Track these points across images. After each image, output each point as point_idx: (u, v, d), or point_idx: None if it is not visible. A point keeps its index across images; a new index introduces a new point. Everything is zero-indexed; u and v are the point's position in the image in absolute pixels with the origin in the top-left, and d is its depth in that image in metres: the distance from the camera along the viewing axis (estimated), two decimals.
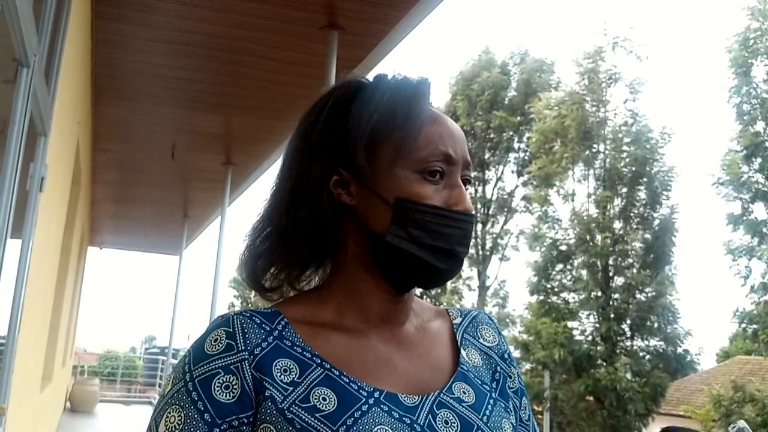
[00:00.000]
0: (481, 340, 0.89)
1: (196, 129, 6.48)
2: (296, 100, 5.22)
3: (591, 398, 15.85)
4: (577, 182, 17.61)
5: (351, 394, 0.73)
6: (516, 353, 16.65)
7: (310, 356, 0.75)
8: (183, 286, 13.05)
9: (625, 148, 16.79)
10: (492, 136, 22.11)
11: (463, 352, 0.85)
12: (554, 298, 17.06)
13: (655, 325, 15.87)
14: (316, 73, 4.53)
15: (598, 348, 16.11)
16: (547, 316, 16.35)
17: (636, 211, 16.67)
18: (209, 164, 7.45)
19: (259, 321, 0.77)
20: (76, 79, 4.16)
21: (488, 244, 22.43)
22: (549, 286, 17.19)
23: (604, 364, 15.76)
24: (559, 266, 17.23)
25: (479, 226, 22.29)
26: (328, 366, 0.75)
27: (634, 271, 16.13)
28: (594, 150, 17.21)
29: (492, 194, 22.61)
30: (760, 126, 14.86)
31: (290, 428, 0.70)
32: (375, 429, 0.70)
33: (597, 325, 16.36)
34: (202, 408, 0.70)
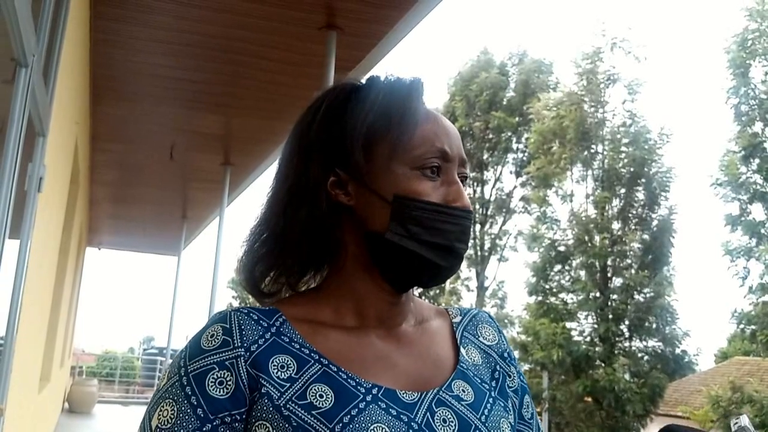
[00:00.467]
0: (480, 339, 0.89)
1: (195, 129, 6.47)
2: (295, 101, 5.22)
3: (589, 399, 15.86)
4: (576, 183, 17.63)
5: (349, 391, 0.73)
6: (514, 354, 16.63)
7: (308, 352, 0.75)
8: (181, 286, 13.05)
9: (623, 148, 16.80)
10: (490, 136, 22.12)
11: (462, 351, 0.85)
12: (553, 299, 17.07)
13: (654, 325, 15.88)
14: (315, 74, 4.53)
15: (597, 349, 16.11)
16: (546, 317, 16.36)
17: (634, 212, 16.68)
18: (208, 164, 7.44)
19: (256, 317, 0.77)
20: (75, 79, 4.15)
21: (487, 245, 22.43)
22: (547, 286, 17.20)
23: (603, 364, 15.77)
24: (558, 267, 17.24)
25: (477, 227, 22.30)
26: (326, 362, 0.75)
27: (633, 271, 16.14)
28: (592, 151, 17.23)
29: (490, 195, 22.63)
30: (758, 127, 14.88)
31: (287, 425, 0.69)
32: (372, 427, 0.70)
33: (595, 326, 16.37)
34: (195, 403, 0.70)
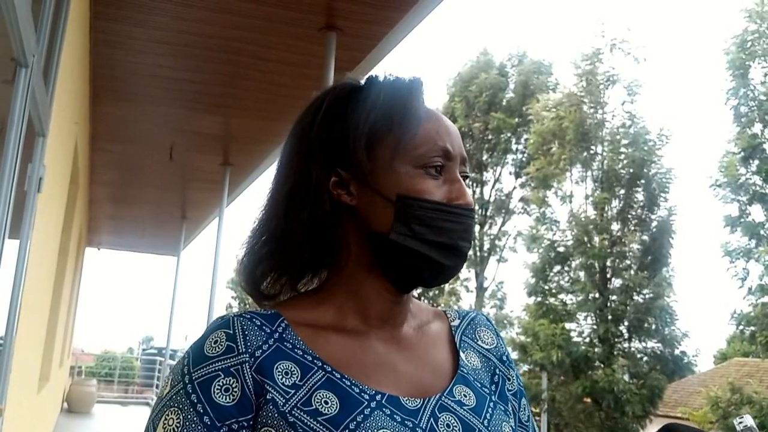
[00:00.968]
0: (479, 343, 0.89)
1: (195, 130, 6.47)
2: (294, 102, 5.22)
3: (588, 400, 15.85)
4: (575, 184, 17.63)
5: (353, 397, 0.72)
6: (514, 355, 16.64)
7: (311, 359, 0.75)
8: (181, 287, 13.04)
9: (622, 149, 16.81)
10: (490, 137, 22.13)
11: (462, 355, 0.85)
12: (552, 300, 17.07)
13: (653, 326, 15.88)
14: (315, 75, 4.53)
15: (596, 350, 16.11)
16: (545, 318, 16.36)
17: (634, 213, 16.69)
18: (207, 165, 7.45)
19: (259, 323, 0.76)
20: (75, 80, 4.16)
21: (486, 246, 22.43)
22: (547, 287, 17.20)
23: (602, 365, 15.77)
24: (557, 268, 17.24)
25: (477, 228, 22.30)
26: (330, 369, 0.74)
27: (632, 272, 16.14)
28: (592, 152, 17.23)
29: (490, 196, 22.62)
30: (757, 128, 14.88)
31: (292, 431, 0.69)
32: None
33: (594, 327, 16.37)
34: (202, 410, 0.69)
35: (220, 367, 0.72)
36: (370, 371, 0.76)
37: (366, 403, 0.72)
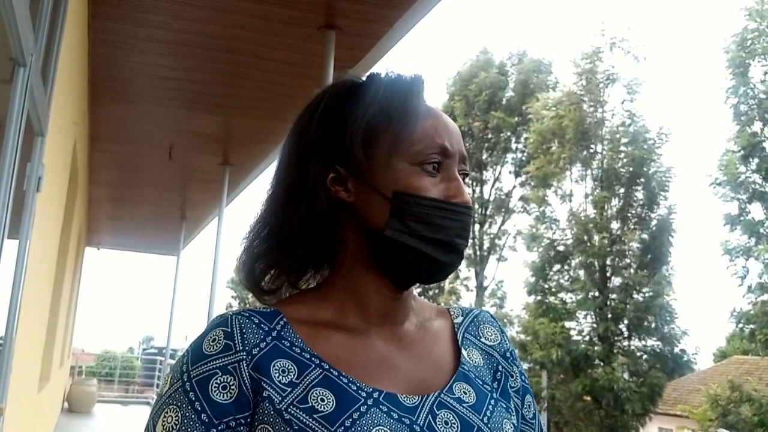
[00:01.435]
0: (482, 340, 0.89)
1: (194, 129, 6.47)
2: (294, 101, 5.21)
3: (588, 398, 15.87)
4: (575, 183, 17.65)
5: (350, 395, 0.72)
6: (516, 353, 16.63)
7: (308, 357, 0.75)
8: (181, 286, 13.05)
9: (622, 148, 16.82)
10: (489, 136, 22.13)
11: (464, 352, 0.85)
12: (552, 299, 17.08)
13: (653, 325, 15.90)
14: (314, 74, 4.53)
15: (596, 348, 16.13)
16: (545, 317, 16.37)
17: (633, 212, 16.70)
18: (207, 165, 7.44)
19: (257, 321, 0.76)
20: (73, 79, 4.15)
21: (486, 245, 22.44)
22: (546, 286, 17.21)
23: (602, 364, 15.78)
24: (557, 266, 17.25)
25: (477, 227, 22.30)
26: (327, 366, 0.74)
27: (632, 271, 16.16)
28: (591, 150, 17.24)
29: (489, 195, 22.63)
30: (757, 126, 14.90)
31: (288, 429, 0.69)
32: (373, 430, 0.70)
33: (594, 325, 16.39)
34: (200, 408, 0.70)
35: (217, 365, 0.72)
36: (369, 369, 0.76)
37: (363, 400, 0.72)
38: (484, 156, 22.35)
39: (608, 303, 16.19)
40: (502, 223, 22.65)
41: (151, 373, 18.16)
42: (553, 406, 16.60)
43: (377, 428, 0.70)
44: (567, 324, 16.49)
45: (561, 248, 17.07)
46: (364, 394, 0.73)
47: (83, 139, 6.02)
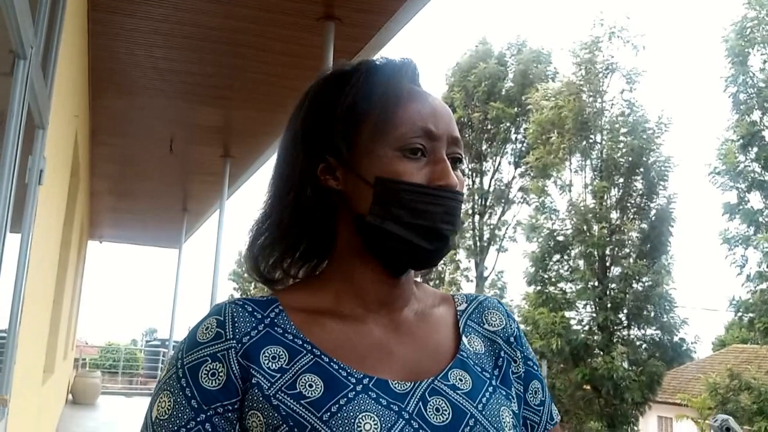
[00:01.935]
0: (485, 326, 0.87)
1: (195, 122, 6.47)
2: (294, 92, 5.18)
3: (588, 387, 15.93)
4: (574, 173, 17.63)
5: (338, 381, 0.73)
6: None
7: (300, 343, 0.76)
8: (183, 279, 13.07)
9: (621, 138, 16.79)
10: (489, 127, 22.08)
11: (464, 339, 0.84)
12: (551, 289, 17.11)
13: (652, 314, 15.93)
14: (314, 65, 4.53)
15: (595, 337, 16.18)
16: (545, 306, 16.40)
17: (633, 201, 16.70)
18: (208, 157, 7.44)
19: (250, 309, 0.77)
20: (74, 72, 4.15)
21: (486, 235, 22.44)
22: (546, 276, 17.23)
23: (601, 353, 15.83)
24: (557, 256, 17.27)
25: (477, 218, 22.31)
26: (319, 353, 0.75)
27: (631, 260, 16.18)
28: (591, 140, 17.22)
29: (489, 185, 22.60)
30: (756, 115, 14.87)
31: (276, 415, 0.70)
32: (360, 416, 0.70)
33: (594, 315, 16.43)
34: (190, 394, 0.72)
35: (208, 352, 0.74)
36: (364, 355, 0.76)
37: (351, 386, 0.72)
38: (484, 147, 22.31)
39: (608, 292, 16.22)
40: (502, 213, 22.65)
41: (154, 364, 18.24)
42: (553, 395, 16.56)
43: (364, 414, 0.70)
44: (567, 314, 16.53)
45: (561, 238, 17.08)
46: (354, 380, 0.73)
47: (84, 131, 6.02)
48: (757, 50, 14.86)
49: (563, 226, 17.27)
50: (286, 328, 0.77)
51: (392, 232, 0.76)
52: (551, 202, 17.81)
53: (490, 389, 0.80)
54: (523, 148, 21.28)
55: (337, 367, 0.74)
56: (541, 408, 0.87)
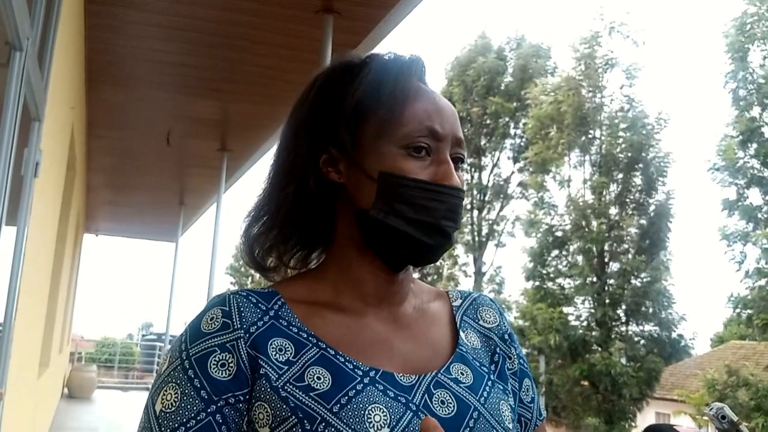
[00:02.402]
0: (480, 322, 0.89)
1: (192, 115, 6.44)
2: (292, 86, 5.19)
3: (586, 383, 15.98)
4: (573, 168, 17.65)
5: (346, 373, 0.73)
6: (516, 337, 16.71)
7: (305, 336, 0.75)
8: (179, 272, 13.08)
9: (621, 133, 16.80)
10: (488, 122, 22.09)
11: (462, 334, 0.85)
12: (550, 284, 17.15)
13: (650, 310, 15.98)
14: (312, 58, 4.50)
15: (593, 333, 16.22)
16: (543, 302, 16.44)
17: (632, 197, 16.72)
18: (205, 151, 7.42)
19: (255, 300, 0.77)
20: (70, 64, 4.12)
21: (484, 230, 22.47)
22: (545, 271, 17.26)
23: (599, 349, 15.87)
24: (555, 252, 17.30)
25: (475, 213, 22.32)
26: (324, 345, 0.75)
27: (630, 256, 16.20)
28: (590, 136, 17.23)
29: (488, 180, 22.63)
30: (756, 111, 14.88)
31: (284, 406, 0.70)
32: (369, 407, 0.70)
33: (592, 311, 16.46)
34: (199, 385, 0.70)
35: (216, 343, 0.72)
36: (366, 349, 0.77)
37: (359, 379, 0.73)
38: (483, 142, 22.32)
39: (606, 288, 16.25)
40: (501, 208, 22.68)
41: (150, 359, 18.25)
42: (551, 391, 16.71)
43: (373, 406, 0.70)
44: (565, 309, 16.57)
45: (559, 234, 17.10)
46: (361, 373, 0.73)
47: (81, 124, 5.99)
48: (757, 46, 14.86)
49: (562, 221, 17.31)
50: (290, 320, 0.77)
51: (395, 227, 0.76)
52: (550, 198, 17.85)
53: (489, 383, 0.81)
54: (522, 143, 21.30)
55: (343, 360, 0.74)
56: (533, 405, 0.89)
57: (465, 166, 0.84)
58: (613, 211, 16.72)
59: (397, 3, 3.99)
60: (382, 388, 0.73)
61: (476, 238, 22.31)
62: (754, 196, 14.78)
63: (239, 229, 0.86)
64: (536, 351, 16.54)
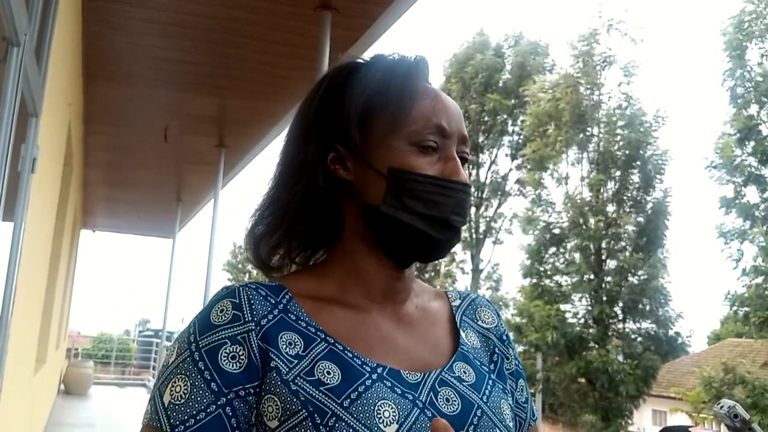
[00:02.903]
0: (479, 323, 0.90)
1: (189, 111, 6.43)
2: (290, 82, 5.18)
3: (583, 380, 16.01)
4: (571, 165, 17.65)
5: (355, 369, 0.74)
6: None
7: (314, 331, 0.76)
8: (177, 269, 13.03)
9: (618, 131, 16.81)
10: (486, 119, 22.09)
11: (462, 334, 0.86)
12: (547, 281, 17.16)
13: (647, 307, 16.00)
14: (310, 55, 4.49)
15: (591, 330, 16.24)
16: (540, 299, 16.45)
17: (629, 195, 16.73)
18: (202, 147, 7.40)
19: (264, 293, 0.77)
20: (68, 60, 4.11)
21: (482, 228, 22.49)
22: (542, 269, 17.28)
23: (596, 346, 15.90)
24: (552, 249, 17.31)
25: (473, 210, 22.33)
26: (332, 341, 0.76)
27: (627, 254, 16.22)
28: (588, 133, 17.23)
29: (486, 177, 22.64)
30: (753, 109, 14.89)
31: (295, 400, 0.70)
32: (378, 403, 0.71)
33: (589, 308, 16.48)
34: (209, 377, 0.70)
35: (227, 334, 0.73)
36: (372, 345, 0.77)
37: (367, 374, 0.73)
38: (481, 139, 22.32)
39: (603, 286, 16.27)
40: (498, 206, 22.70)
41: (147, 355, 18.22)
42: (548, 388, 16.75)
43: (382, 401, 0.71)
44: (562, 306, 16.59)
45: (557, 231, 17.11)
46: (369, 369, 0.74)
47: (78, 120, 5.98)
48: (755, 44, 14.87)
49: (559, 218, 17.31)
50: (299, 315, 0.77)
51: (405, 222, 0.77)
52: (547, 195, 17.85)
53: (491, 382, 0.82)
54: (520, 140, 21.31)
55: (351, 356, 0.75)
56: (527, 405, 0.91)
57: (468, 164, 0.86)
58: (611, 208, 16.73)
59: (395, 0, 3.98)
60: (390, 384, 0.74)
61: (474, 235, 22.32)
62: (752, 193, 14.81)
63: (245, 227, 0.86)
64: (533, 348, 16.56)
